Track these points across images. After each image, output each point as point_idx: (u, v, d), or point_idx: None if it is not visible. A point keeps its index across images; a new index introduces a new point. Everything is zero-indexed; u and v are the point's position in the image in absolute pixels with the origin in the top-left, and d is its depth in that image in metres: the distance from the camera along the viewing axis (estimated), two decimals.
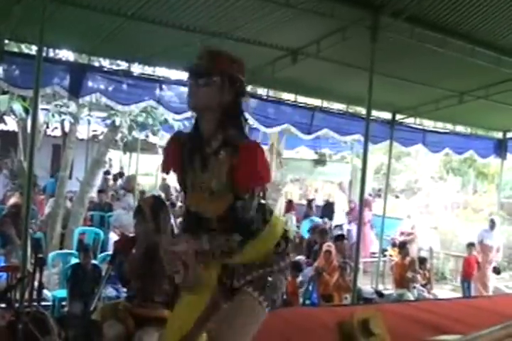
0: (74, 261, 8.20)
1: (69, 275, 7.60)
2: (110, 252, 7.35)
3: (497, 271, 12.08)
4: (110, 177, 18.11)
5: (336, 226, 14.76)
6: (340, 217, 15.99)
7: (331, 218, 15.46)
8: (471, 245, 11.95)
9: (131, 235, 5.00)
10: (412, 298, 9.57)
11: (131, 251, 4.48)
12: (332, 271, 8.98)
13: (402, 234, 14.06)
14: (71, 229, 10.82)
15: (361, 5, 6.85)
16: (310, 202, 16.60)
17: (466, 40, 7.71)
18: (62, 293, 7.76)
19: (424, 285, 10.53)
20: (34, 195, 10.61)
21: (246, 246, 2.76)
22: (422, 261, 10.97)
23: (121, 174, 20.07)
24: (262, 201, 2.86)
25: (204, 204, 2.82)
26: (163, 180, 20.21)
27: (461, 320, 5.34)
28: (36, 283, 5.35)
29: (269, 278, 2.83)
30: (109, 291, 7.62)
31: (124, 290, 5.32)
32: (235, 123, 2.79)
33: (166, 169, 3.00)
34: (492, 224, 12.59)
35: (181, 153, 2.87)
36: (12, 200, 11.51)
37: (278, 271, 2.87)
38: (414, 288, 10.20)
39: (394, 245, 13.28)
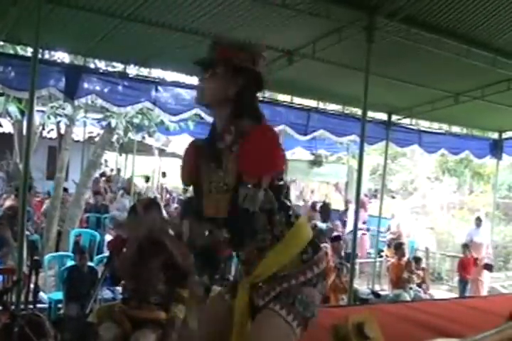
0: (70, 263, 8.18)
1: (65, 278, 7.58)
2: (106, 254, 7.34)
3: (489, 267, 12.07)
4: (103, 179, 18.10)
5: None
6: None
7: (327, 219, 15.43)
8: (466, 246, 11.97)
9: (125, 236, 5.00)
10: (408, 299, 9.56)
11: (122, 251, 4.48)
12: (328, 271, 8.97)
13: (390, 233, 14.13)
14: (67, 230, 10.80)
15: (357, 6, 6.85)
16: (314, 204, 16.30)
17: (462, 41, 7.72)
18: (58, 295, 7.74)
19: (419, 285, 10.54)
20: (30, 197, 10.60)
21: (266, 253, 2.48)
22: (417, 260, 10.98)
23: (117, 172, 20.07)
24: (286, 201, 2.55)
25: (221, 205, 2.49)
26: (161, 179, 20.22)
27: (457, 320, 5.34)
28: (32, 286, 5.34)
29: (299, 293, 2.45)
30: (105, 293, 7.62)
31: (120, 291, 5.32)
32: (248, 115, 2.53)
33: (185, 180, 2.75)
34: (479, 222, 12.70)
35: (198, 159, 2.65)
36: (8, 203, 11.50)
37: (307, 283, 2.49)
38: (411, 288, 10.20)
39: (389, 245, 13.30)
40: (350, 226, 14.86)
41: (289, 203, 2.56)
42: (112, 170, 21.68)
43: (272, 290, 2.48)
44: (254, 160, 2.37)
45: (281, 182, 2.53)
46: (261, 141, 2.41)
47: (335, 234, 12.11)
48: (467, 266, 11.63)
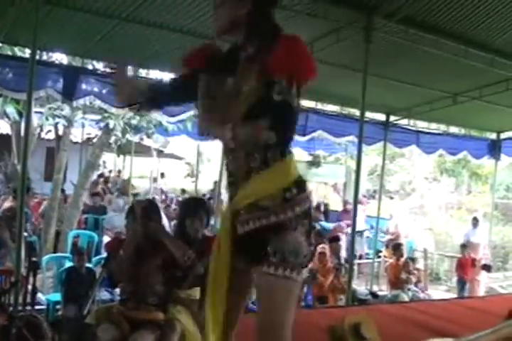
0: (68, 264, 8.16)
1: (63, 279, 7.57)
2: (104, 255, 7.34)
3: (487, 268, 12.09)
4: (102, 180, 18.07)
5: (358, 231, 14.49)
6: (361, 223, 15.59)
7: (325, 219, 15.42)
8: (464, 246, 11.98)
9: (124, 237, 5.00)
10: (406, 299, 9.56)
11: (119, 252, 4.48)
12: (326, 272, 8.97)
13: (389, 234, 14.15)
14: (65, 232, 10.79)
15: (355, 6, 6.85)
16: (319, 205, 15.97)
17: (460, 42, 7.73)
18: (57, 296, 7.73)
19: (415, 284, 10.55)
20: (28, 198, 10.58)
21: (252, 175, 2.37)
22: (412, 260, 11.00)
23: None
24: (294, 128, 2.45)
25: (232, 110, 2.36)
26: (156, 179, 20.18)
27: (455, 320, 5.36)
28: (30, 287, 5.34)
29: (284, 243, 2.33)
30: (104, 294, 7.61)
31: (118, 293, 5.31)
32: (268, 29, 2.46)
33: (188, 65, 2.64)
34: (475, 222, 12.73)
35: (210, 58, 2.58)
36: (6, 204, 11.48)
37: (288, 225, 2.35)
38: (409, 289, 10.21)
39: (388, 246, 13.31)
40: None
41: (293, 133, 2.47)
42: (110, 171, 21.67)
43: (252, 220, 2.39)
44: (291, 57, 2.30)
45: (297, 107, 2.41)
46: (297, 43, 2.36)
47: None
48: (465, 266, 11.65)
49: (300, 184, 2.44)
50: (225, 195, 15.10)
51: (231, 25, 2.47)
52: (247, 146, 2.35)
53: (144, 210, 4.48)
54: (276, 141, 2.32)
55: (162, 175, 20.73)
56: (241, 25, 2.46)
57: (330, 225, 13.67)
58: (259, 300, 2.42)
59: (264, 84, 2.31)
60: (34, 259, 5.82)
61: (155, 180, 19.66)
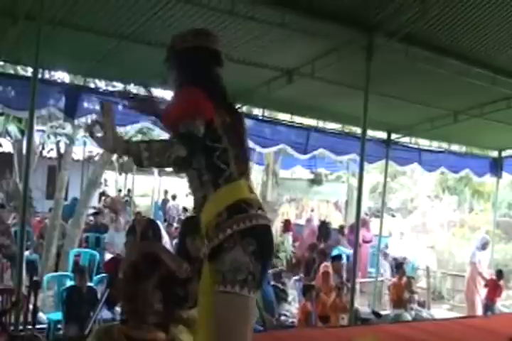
0: (69, 283, 8.14)
1: (64, 298, 7.53)
2: (106, 274, 7.31)
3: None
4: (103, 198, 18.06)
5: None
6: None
7: (327, 238, 15.34)
8: (500, 272, 11.61)
9: (121, 257, 4.98)
10: (409, 318, 9.51)
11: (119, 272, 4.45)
12: (329, 291, 8.93)
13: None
14: (66, 250, 10.76)
15: (355, 25, 6.86)
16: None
17: (461, 60, 7.73)
18: (58, 315, 7.68)
19: (419, 303, 10.51)
20: (29, 216, 10.57)
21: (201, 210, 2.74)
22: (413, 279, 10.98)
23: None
24: (219, 163, 2.69)
25: None
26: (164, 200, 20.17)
27: (459, 339, 5.31)
28: (31, 306, 5.31)
29: (222, 264, 2.59)
30: (105, 313, 7.56)
31: (119, 312, 5.28)
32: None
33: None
34: (484, 243, 12.56)
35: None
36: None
37: (222, 247, 2.60)
38: (412, 308, 10.15)
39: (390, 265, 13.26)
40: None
41: (222, 166, 2.69)
42: (120, 190, 21.51)
43: (205, 248, 2.76)
44: (170, 108, 2.82)
45: (216, 144, 2.69)
46: (177, 95, 2.90)
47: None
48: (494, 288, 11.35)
49: (233, 207, 2.65)
50: None
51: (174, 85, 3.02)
52: (163, 163, 2.59)
53: (144, 230, 4.48)
54: (207, 177, 2.69)
55: (174, 197, 20.62)
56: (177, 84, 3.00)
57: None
58: (214, 319, 2.66)
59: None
60: (35, 278, 5.79)
61: (172, 198, 19.54)
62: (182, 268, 4.19)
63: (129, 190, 21.31)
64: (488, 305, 11.12)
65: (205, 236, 2.73)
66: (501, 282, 11.39)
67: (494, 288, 11.27)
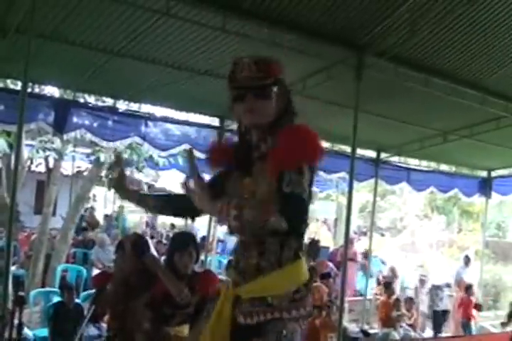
0: (56, 299, 8.06)
1: (51, 314, 7.47)
2: (93, 291, 7.24)
3: (478, 307, 11.97)
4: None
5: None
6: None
7: (316, 257, 15.25)
8: (470, 287, 11.80)
9: (111, 271, 4.93)
10: (397, 338, 9.48)
11: (106, 287, 4.41)
12: (319, 309, 8.87)
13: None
14: (53, 266, 10.67)
15: (346, 45, 6.89)
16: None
17: (450, 80, 7.76)
18: (44, 331, 7.62)
19: (411, 325, 10.45)
20: (16, 231, 10.49)
21: (265, 273, 2.40)
22: (409, 301, 10.92)
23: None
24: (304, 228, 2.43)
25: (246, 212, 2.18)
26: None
27: None
28: (16, 322, 5.23)
29: (284, 328, 2.39)
30: (91, 330, 7.47)
31: (106, 329, 5.22)
32: (286, 122, 2.54)
33: (213, 165, 2.70)
34: (467, 261, 12.65)
35: (229, 156, 2.61)
36: None
37: (292, 320, 2.42)
38: (401, 327, 10.11)
39: (379, 283, 13.21)
40: None
41: (306, 229, 2.46)
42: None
43: (256, 314, 2.41)
44: (294, 147, 2.34)
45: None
46: (298, 131, 2.44)
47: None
48: (469, 306, 11.46)
49: (308, 285, 2.50)
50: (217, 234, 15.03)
51: (271, 116, 2.51)
52: (253, 230, 2.24)
53: (133, 246, 4.43)
54: (288, 229, 2.20)
55: None
56: (274, 115, 2.52)
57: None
58: None
59: (276, 179, 2.30)
60: (21, 294, 5.71)
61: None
62: (183, 293, 4.14)
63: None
64: (464, 324, 11.21)
65: (259, 300, 2.43)
66: (472, 298, 11.50)
67: (467, 305, 11.37)
